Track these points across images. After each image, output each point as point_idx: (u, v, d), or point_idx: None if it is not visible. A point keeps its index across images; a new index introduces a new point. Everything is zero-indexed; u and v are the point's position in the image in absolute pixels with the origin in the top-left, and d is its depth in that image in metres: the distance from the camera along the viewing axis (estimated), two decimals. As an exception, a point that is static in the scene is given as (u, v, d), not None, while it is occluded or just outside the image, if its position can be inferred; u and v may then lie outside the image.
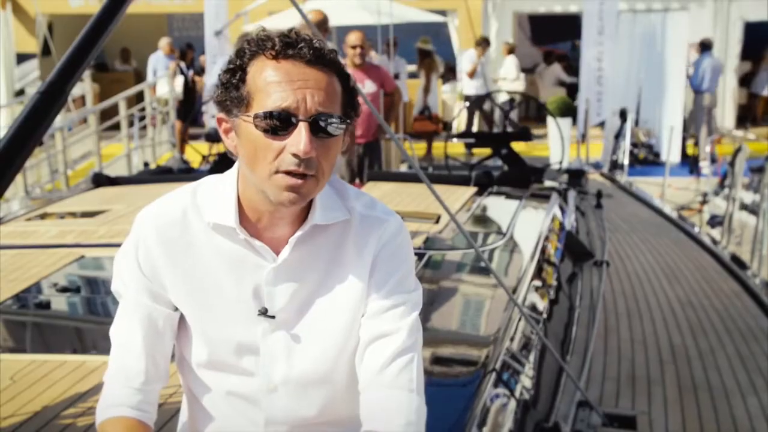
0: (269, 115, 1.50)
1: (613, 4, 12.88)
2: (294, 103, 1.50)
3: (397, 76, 14.09)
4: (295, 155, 1.49)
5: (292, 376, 1.65)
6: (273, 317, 1.63)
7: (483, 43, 14.46)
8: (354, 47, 6.99)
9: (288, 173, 1.51)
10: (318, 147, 1.51)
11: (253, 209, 1.61)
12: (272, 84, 1.51)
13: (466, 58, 14.71)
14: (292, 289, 1.63)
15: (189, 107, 13.39)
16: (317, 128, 1.51)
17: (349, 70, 7.28)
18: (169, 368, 1.71)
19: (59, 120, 9.44)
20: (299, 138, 1.49)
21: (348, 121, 1.56)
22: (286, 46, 1.52)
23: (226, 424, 1.71)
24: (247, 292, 1.63)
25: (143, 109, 12.99)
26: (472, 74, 14.50)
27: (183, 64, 13.83)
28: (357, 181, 6.36)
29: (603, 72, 12.92)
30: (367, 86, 7.08)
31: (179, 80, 13.33)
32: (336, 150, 1.56)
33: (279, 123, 1.50)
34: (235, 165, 1.63)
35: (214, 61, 12.23)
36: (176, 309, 1.67)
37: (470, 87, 14.61)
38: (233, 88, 1.54)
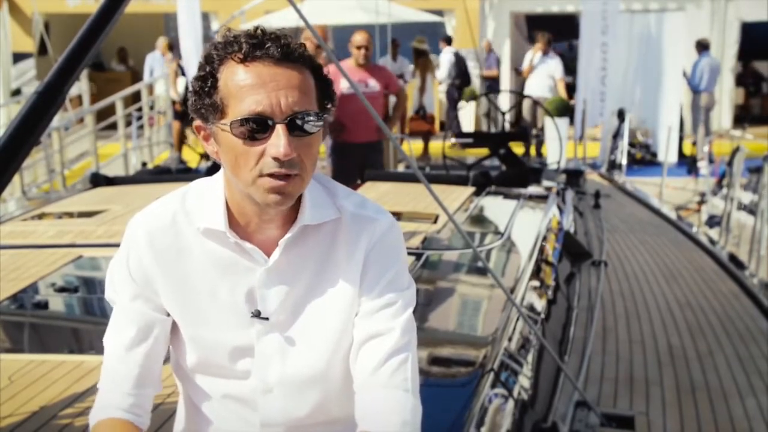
0: (245, 121, 1.48)
1: (616, 3, 12.86)
2: (268, 106, 1.48)
3: (401, 77, 14.05)
4: (275, 158, 1.48)
5: (287, 377, 1.64)
6: (267, 319, 1.63)
7: (544, 39, 13.72)
8: (359, 47, 7.00)
9: (271, 176, 1.50)
10: (298, 146, 1.50)
11: (242, 213, 1.60)
12: (244, 88, 1.49)
13: (526, 58, 14.22)
14: (285, 291, 1.63)
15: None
16: (295, 128, 1.50)
17: (353, 69, 7.27)
18: (161, 374, 1.70)
19: (56, 120, 9.42)
20: (278, 141, 1.48)
21: (325, 115, 1.55)
22: (253, 47, 1.50)
23: (222, 427, 1.71)
24: (240, 295, 1.63)
25: (140, 109, 12.96)
26: (528, 73, 13.80)
27: (183, 63, 13.78)
28: (358, 180, 6.34)
29: (607, 72, 12.91)
30: (370, 85, 7.09)
31: (181, 80, 13.22)
32: (317, 145, 1.55)
33: (256, 127, 1.48)
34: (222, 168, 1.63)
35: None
36: (169, 315, 1.67)
37: (530, 86, 13.64)
38: (206, 95, 1.53)
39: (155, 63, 14.27)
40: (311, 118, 1.51)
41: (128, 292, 1.65)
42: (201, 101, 1.54)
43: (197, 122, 1.58)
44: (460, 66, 15.05)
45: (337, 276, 1.64)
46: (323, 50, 5.15)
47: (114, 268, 1.67)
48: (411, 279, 1.69)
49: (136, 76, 16.82)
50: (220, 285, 1.63)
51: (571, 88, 14.42)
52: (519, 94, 13.79)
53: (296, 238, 1.61)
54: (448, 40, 15.36)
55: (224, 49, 1.52)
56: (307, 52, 1.55)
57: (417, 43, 14.94)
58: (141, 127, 12.85)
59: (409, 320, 1.65)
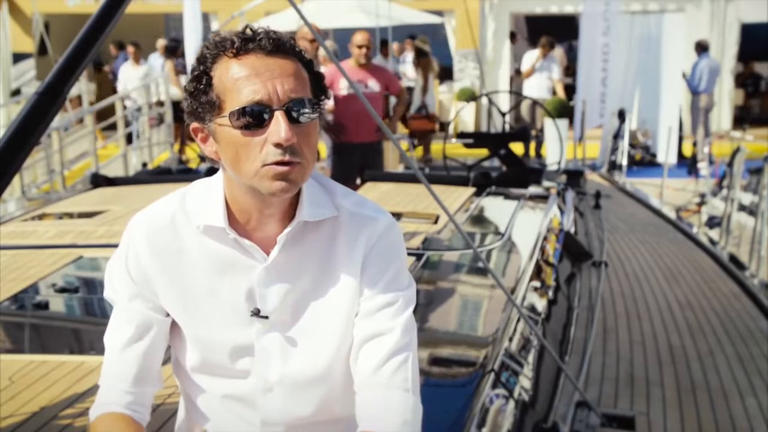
0: (244, 111, 1.50)
1: (618, 4, 12.87)
2: (266, 94, 1.50)
3: None
4: (277, 144, 1.49)
5: (287, 376, 1.64)
6: (266, 318, 1.63)
7: (548, 44, 13.89)
8: (360, 47, 7.04)
9: (274, 164, 1.51)
10: (297, 133, 1.51)
11: (242, 210, 1.60)
12: (240, 80, 1.51)
13: (526, 59, 14.28)
14: (285, 289, 1.63)
15: None
16: (293, 115, 1.51)
17: (354, 69, 7.31)
18: (161, 373, 1.71)
19: (56, 120, 9.41)
20: (278, 127, 1.49)
21: (321, 104, 1.57)
22: (245, 41, 1.52)
23: (223, 426, 1.71)
24: (240, 293, 1.63)
25: (140, 110, 12.95)
26: (528, 74, 13.91)
27: (180, 62, 13.80)
28: (358, 181, 6.35)
29: (608, 73, 12.90)
30: (370, 86, 7.11)
31: (183, 79, 13.20)
32: (315, 135, 1.57)
33: (255, 117, 1.50)
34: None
35: None
36: (168, 315, 1.67)
37: (530, 87, 13.81)
38: (201, 94, 1.54)
39: (156, 64, 14.28)
40: (307, 106, 1.53)
41: (127, 292, 1.65)
42: (197, 101, 1.55)
43: (194, 124, 1.58)
44: None
45: (336, 275, 1.64)
46: (323, 50, 5.16)
47: (113, 268, 1.68)
48: (411, 278, 1.69)
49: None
50: (219, 284, 1.63)
51: (570, 89, 14.42)
52: (518, 95, 13.79)
53: (295, 235, 1.62)
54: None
55: (216, 48, 1.54)
56: (298, 46, 1.57)
57: (420, 43, 14.93)
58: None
59: (410, 320, 1.64)
